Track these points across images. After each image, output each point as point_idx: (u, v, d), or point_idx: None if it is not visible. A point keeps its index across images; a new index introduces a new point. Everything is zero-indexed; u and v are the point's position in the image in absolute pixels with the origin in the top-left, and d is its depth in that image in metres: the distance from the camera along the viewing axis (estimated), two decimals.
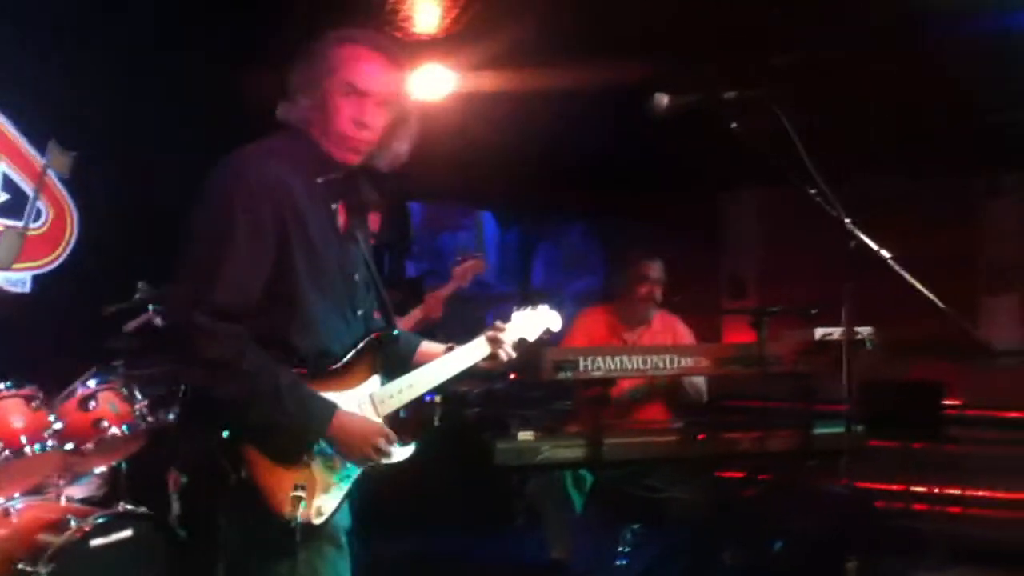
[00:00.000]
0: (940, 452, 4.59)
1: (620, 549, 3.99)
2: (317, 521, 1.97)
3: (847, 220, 2.27)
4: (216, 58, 4.87)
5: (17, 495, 3.16)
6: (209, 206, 1.97)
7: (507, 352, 2.37)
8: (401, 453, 2.13)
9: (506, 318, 2.67)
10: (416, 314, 3.98)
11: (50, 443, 3.11)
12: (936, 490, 4.57)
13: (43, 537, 2.98)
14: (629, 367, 3.43)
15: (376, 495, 3.96)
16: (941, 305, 2.21)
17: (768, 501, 3.76)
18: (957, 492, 4.72)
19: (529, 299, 2.68)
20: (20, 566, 2.87)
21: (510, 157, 7.14)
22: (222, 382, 1.88)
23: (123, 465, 3.65)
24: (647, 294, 4.15)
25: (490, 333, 2.36)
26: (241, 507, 1.93)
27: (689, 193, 7.97)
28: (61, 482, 3.34)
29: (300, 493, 1.92)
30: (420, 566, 4.92)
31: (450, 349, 2.34)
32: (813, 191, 2.31)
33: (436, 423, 5.44)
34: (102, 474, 3.62)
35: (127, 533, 3.09)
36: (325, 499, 1.99)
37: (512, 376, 6.69)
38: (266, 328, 1.95)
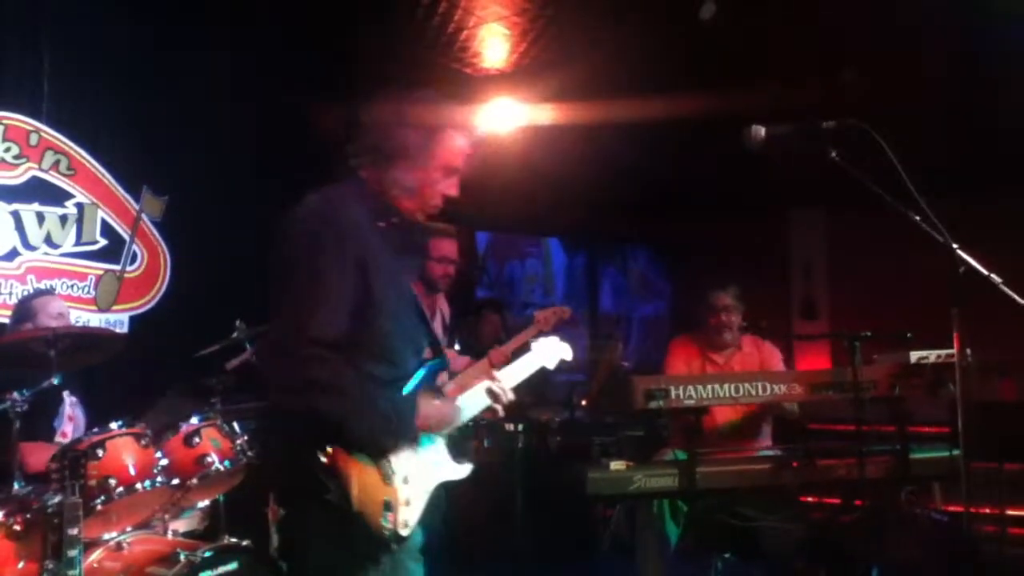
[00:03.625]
0: None
1: None
2: (404, 532, 2.14)
3: (955, 246, 2.25)
4: (298, 102, 5.04)
5: (129, 529, 3.27)
6: (300, 245, 2.12)
7: (505, 402, 2.47)
8: (461, 471, 2.34)
9: (575, 344, 2.83)
10: (481, 365, 3.88)
11: (159, 479, 3.21)
12: None
13: (154, 570, 3.07)
14: (721, 395, 3.42)
15: (463, 525, 4.02)
16: None
17: (864, 528, 3.68)
18: None
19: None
20: None
21: (577, 185, 7.21)
22: (330, 402, 2.03)
23: (222, 499, 3.78)
24: (720, 323, 4.23)
25: (488, 386, 2.46)
26: (337, 522, 2.05)
27: (757, 218, 7.93)
28: (167, 516, 3.45)
29: (388, 507, 2.09)
30: None
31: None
32: (917, 217, 2.30)
33: (520, 448, 5.47)
34: (204, 508, 3.73)
35: (233, 566, 3.16)
36: (408, 512, 2.16)
37: (584, 403, 6.73)
38: (351, 356, 2.09)
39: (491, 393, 2.45)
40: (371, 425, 2.08)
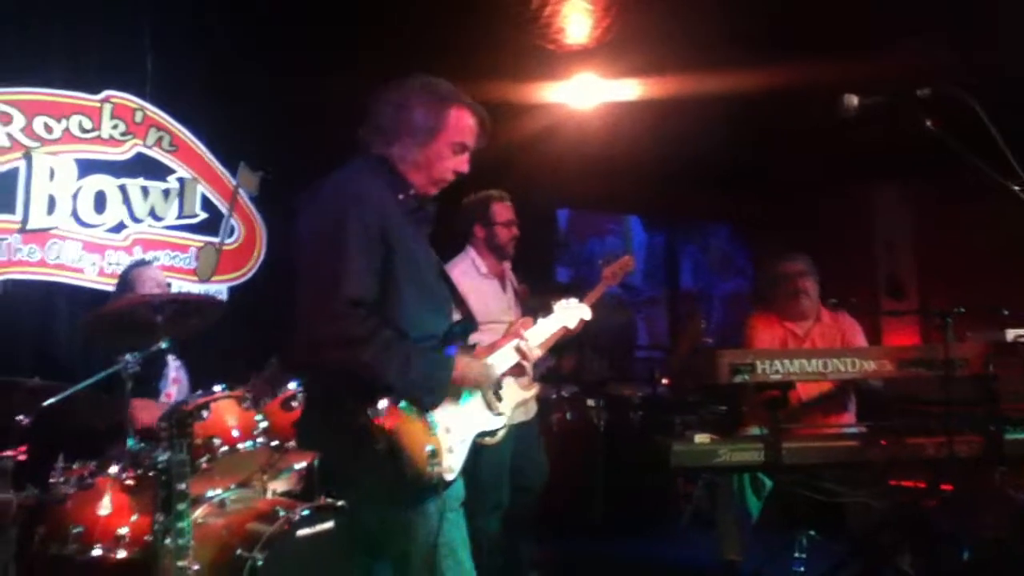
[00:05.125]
0: None
1: (796, 555, 3.95)
2: (449, 477, 2.27)
3: None
4: (383, 76, 5.13)
5: (231, 487, 3.45)
6: (326, 218, 2.27)
7: (531, 359, 2.62)
8: (496, 422, 2.48)
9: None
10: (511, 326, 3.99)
11: (259, 440, 3.37)
12: None
13: (255, 526, 3.22)
14: (808, 369, 3.39)
15: (546, 497, 4.10)
16: None
17: (954, 508, 3.62)
18: None
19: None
20: (238, 552, 3.12)
21: (656, 163, 7.16)
22: (374, 355, 2.16)
23: (316, 462, 3.93)
24: (797, 289, 4.18)
25: (516, 343, 2.59)
26: (387, 469, 2.18)
27: (838, 193, 7.75)
28: (265, 476, 3.62)
29: (433, 455, 2.23)
30: (585, 566, 5.00)
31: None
32: (1016, 187, 2.26)
33: (602, 422, 5.52)
34: (300, 469, 3.89)
35: (329, 524, 3.29)
36: (451, 459, 2.30)
37: (665, 381, 6.73)
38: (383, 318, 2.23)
39: (518, 350, 2.57)
40: (413, 380, 2.21)
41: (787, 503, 3.82)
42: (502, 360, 2.54)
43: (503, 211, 4.02)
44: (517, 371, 2.61)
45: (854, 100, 2.38)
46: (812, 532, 3.94)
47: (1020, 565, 3.37)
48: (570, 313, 2.99)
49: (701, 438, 3.37)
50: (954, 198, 6.28)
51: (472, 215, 4.03)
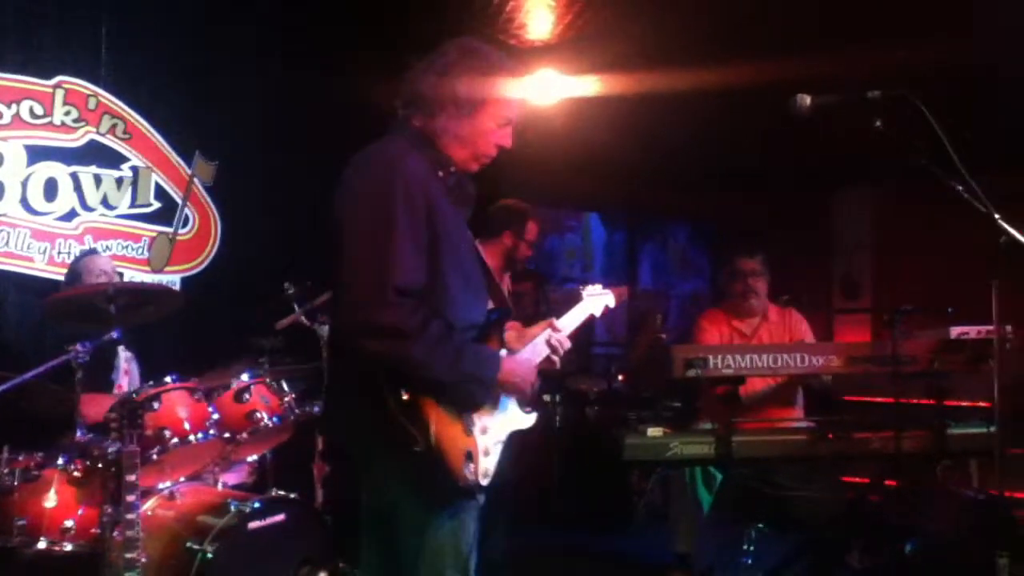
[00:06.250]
0: None
1: (745, 548, 4.01)
2: (484, 482, 2.14)
3: (996, 216, 2.26)
4: (342, 66, 5.10)
5: (182, 479, 3.41)
6: (371, 194, 2.09)
7: (562, 353, 2.45)
8: (529, 419, 2.34)
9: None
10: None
11: (211, 432, 3.34)
12: None
13: (206, 518, 3.19)
14: (759, 365, 3.45)
15: (499, 489, 4.10)
16: None
17: (900, 502, 3.70)
18: None
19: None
20: (188, 544, 3.09)
21: (617, 160, 7.21)
22: (416, 349, 2.00)
23: (269, 455, 3.91)
24: (746, 288, 4.24)
25: (548, 335, 2.42)
26: (423, 471, 2.06)
27: (799, 196, 7.87)
28: (217, 469, 3.59)
29: (470, 457, 2.10)
30: (541, 559, 5.01)
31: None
32: (960, 187, 2.31)
33: (557, 424, 5.54)
34: (253, 462, 3.87)
35: (281, 517, 3.28)
36: (487, 462, 2.16)
37: (621, 377, 6.78)
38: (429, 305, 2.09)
39: (550, 344, 2.42)
40: (462, 378, 2.08)
41: (737, 497, 3.88)
42: (533, 353, 2.41)
43: (534, 230, 4.04)
44: (547, 364, 2.44)
45: (807, 100, 2.41)
46: (761, 526, 4.00)
47: (962, 558, 3.45)
48: (597, 301, 2.86)
49: (654, 432, 3.40)
50: (912, 200, 6.41)
51: (508, 221, 4.00)
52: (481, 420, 2.17)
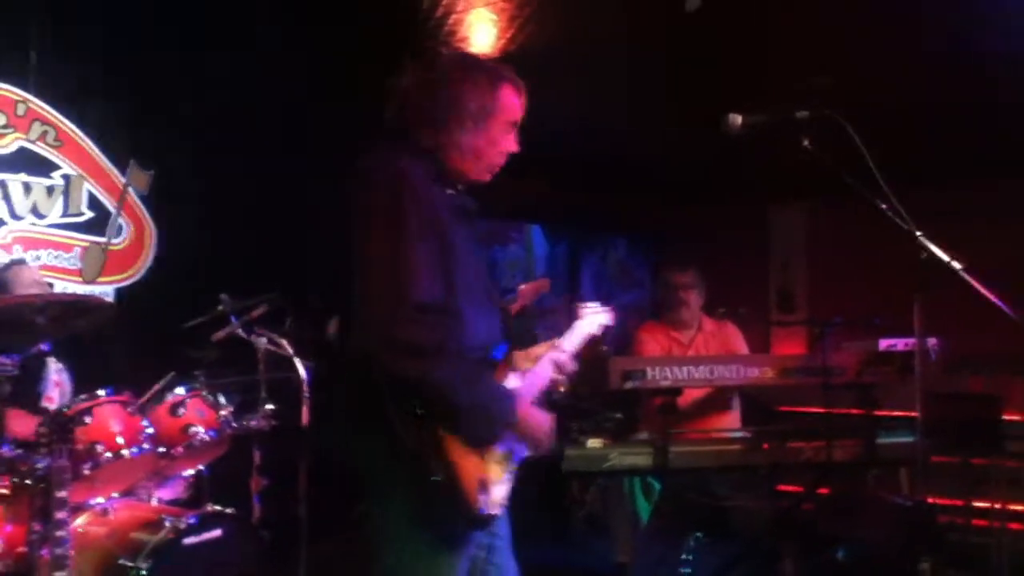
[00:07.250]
0: (1002, 468, 4.56)
1: (683, 557, 4.06)
2: (495, 512, 2.07)
3: (918, 233, 2.35)
4: (284, 71, 5.05)
5: (114, 495, 3.34)
6: (380, 212, 2.01)
7: (567, 372, 2.41)
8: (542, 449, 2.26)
9: (555, 331, 2.81)
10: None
11: (145, 446, 3.27)
12: (997, 506, 4.54)
13: (139, 535, 3.14)
14: (696, 376, 3.52)
15: None
16: (1014, 316, 2.28)
17: (832, 509, 3.80)
18: (1020, 508, 4.69)
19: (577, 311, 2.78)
20: (121, 561, 3.03)
21: (559, 172, 7.27)
22: (438, 369, 1.93)
23: (205, 469, 3.84)
24: (680, 301, 4.33)
25: (553, 356, 2.38)
26: (437, 501, 1.98)
27: (736, 207, 8.04)
28: (151, 484, 3.53)
29: (483, 486, 2.02)
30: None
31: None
32: (883, 205, 2.40)
33: None
34: (188, 477, 3.80)
35: (217, 533, 3.23)
36: (498, 491, 2.09)
37: (562, 389, 6.81)
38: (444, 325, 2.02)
39: (555, 364, 2.36)
40: (481, 406, 2.00)
41: (675, 506, 3.94)
42: (538, 373, 2.33)
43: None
44: (552, 384, 2.37)
45: (737, 119, 2.48)
46: (699, 534, 4.06)
47: (892, 564, 3.56)
48: (596, 319, 2.78)
49: (593, 443, 3.45)
50: (844, 216, 6.60)
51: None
52: (495, 448, 2.09)
